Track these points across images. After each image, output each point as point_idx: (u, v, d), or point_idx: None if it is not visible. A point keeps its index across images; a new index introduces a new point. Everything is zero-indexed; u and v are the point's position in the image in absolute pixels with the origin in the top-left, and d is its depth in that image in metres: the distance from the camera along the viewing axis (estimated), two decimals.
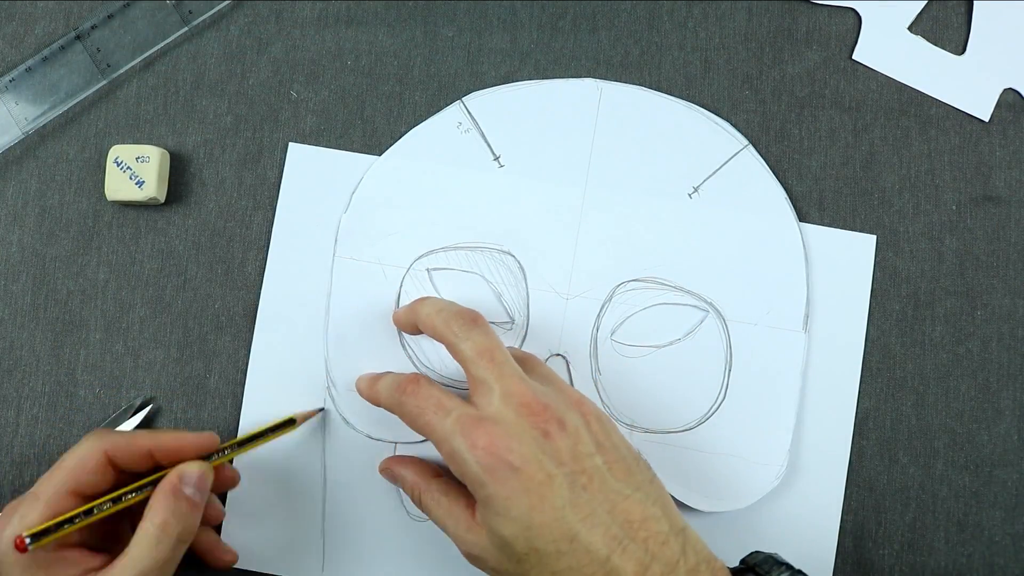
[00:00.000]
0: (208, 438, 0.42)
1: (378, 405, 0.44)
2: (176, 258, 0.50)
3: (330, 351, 0.49)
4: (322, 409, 0.48)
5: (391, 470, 0.46)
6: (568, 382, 0.48)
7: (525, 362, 0.43)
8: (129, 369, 0.49)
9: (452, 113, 0.50)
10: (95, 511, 0.39)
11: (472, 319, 0.42)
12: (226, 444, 0.43)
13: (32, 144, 0.51)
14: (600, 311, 0.49)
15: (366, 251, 0.49)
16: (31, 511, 0.38)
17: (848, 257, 0.50)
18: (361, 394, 0.46)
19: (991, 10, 0.51)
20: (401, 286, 0.49)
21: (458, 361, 0.42)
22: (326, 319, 0.49)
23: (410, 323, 0.45)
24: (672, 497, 0.48)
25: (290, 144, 0.50)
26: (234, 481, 0.46)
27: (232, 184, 0.50)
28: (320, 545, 0.48)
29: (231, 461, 0.47)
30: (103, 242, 0.50)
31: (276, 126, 0.51)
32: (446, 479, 0.43)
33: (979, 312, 0.50)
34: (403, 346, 0.48)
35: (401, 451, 0.48)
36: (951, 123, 0.51)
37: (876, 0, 0.51)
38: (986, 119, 0.51)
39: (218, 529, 0.47)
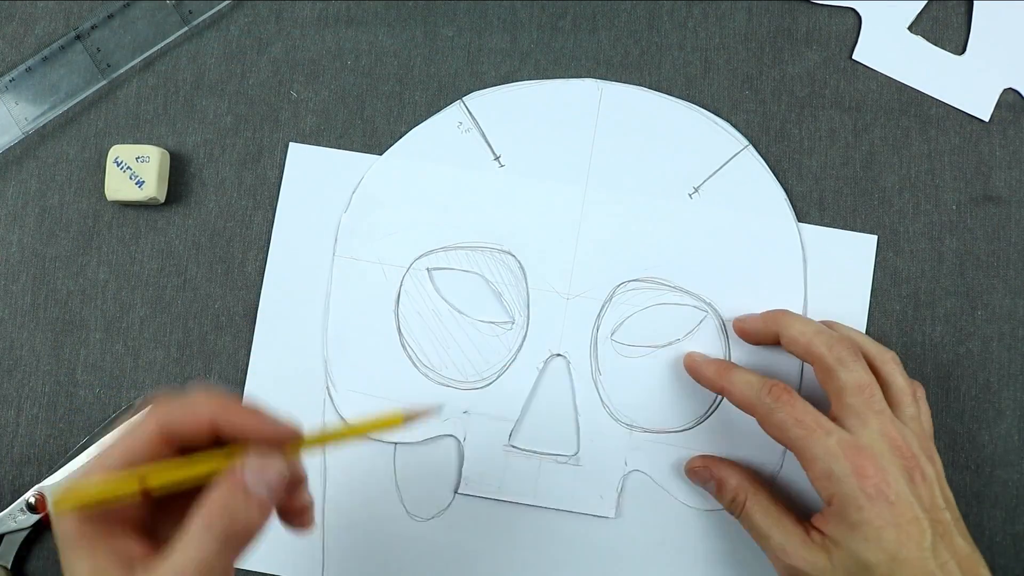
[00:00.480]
0: (288, 432, 0.35)
1: (721, 392, 0.45)
2: (176, 258, 0.50)
3: (330, 351, 0.49)
4: (441, 405, 0.45)
5: (709, 470, 0.46)
6: (569, 383, 0.48)
7: (892, 398, 0.44)
8: (129, 369, 0.49)
9: (452, 113, 0.50)
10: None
11: (856, 349, 0.43)
12: (310, 437, 0.35)
13: (32, 144, 0.51)
14: (600, 311, 0.48)
15: (366, 251, 0.49)
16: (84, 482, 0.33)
17: (848, 257, 0.50)
18: (695, 373, 0.47)
19: (991, 10, 0.51)
20: (401, 285, 0.49)
21: (828, 385, 0.43)
22: (325, 319, 0.49)
23: (768, 333, 0.46)
24: (672, 495, 0.48)
25: (290, 144, 0.50)
26: (305, 511, 0.37)
27: (232, 184, 0.50)
28: (320, 546, 0.48)
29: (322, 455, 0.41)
30: (103, 242, 0.50)
31: (276, 126, 0.51)
32: (771, 490, 0.45)
33: (979, 312, 0.50)
34: (403, 346, 0.48)
35: (401, 453, 0.48)
36: (951, 123, 0.51)
37: (876, 0, 0.51)
38: (986, 119, 0.51)
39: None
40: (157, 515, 0.35)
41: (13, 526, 0.47)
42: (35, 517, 0.47)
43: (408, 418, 0.36)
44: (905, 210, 0.50)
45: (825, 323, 0.46)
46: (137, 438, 0.34)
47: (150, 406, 0.35)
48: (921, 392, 0.45)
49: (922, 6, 0.51)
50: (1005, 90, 0.51)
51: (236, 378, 0.49)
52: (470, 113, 0.50)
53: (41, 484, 0.47)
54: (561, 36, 0.51)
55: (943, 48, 0.51)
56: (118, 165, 0.48)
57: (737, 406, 0.44)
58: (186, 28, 0.50)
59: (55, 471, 0.47)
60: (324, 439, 0.36)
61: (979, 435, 0.49)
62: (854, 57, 0.51)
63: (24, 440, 0.49)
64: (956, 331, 0.50)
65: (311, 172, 0.50)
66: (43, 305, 0.50)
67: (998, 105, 0.51)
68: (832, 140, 0.50)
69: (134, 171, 0.48)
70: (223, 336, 0.49)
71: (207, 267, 0.50)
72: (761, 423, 0.43)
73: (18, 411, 0.49)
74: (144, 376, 0.49)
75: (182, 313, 0.49)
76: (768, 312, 0.47)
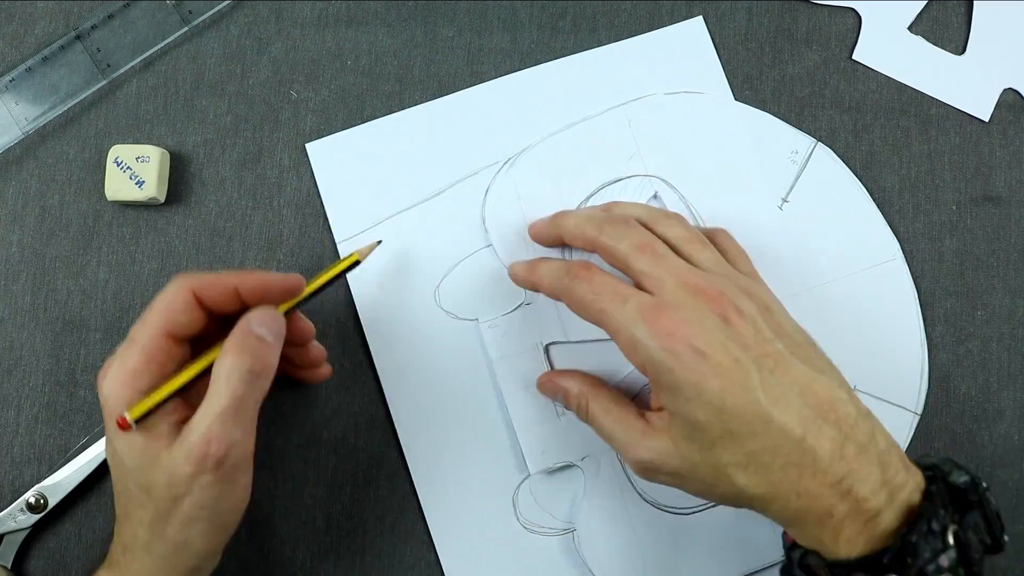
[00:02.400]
0: (293, 279, 0.41)
1: (536, 290, 0.44)
2: (176, 258, 0.50)
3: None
4: (379, 241, 0.47)
5: (553, 382, 0.46)
6: None
7: (681, 251, 0.42)
8: None
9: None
10: (186, 385, 0.39)
11: (627, 220, 0.42)
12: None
13: (32, 144, 0.51)
14: None
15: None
16: (127, 355, 0.38)
17: None
18: (517, 280, 0.46)
19: (991, 10, 0.51)
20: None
21: (617, 263, 0.41)
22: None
23: (552, 236, 0.46)
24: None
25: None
26: (309, 332, 0.44)
27: (232, 184, 0.50)
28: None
29: (300, 307, 0.43)
30: (103, 242, 0.50)
31: (276, 126, 0.51)
32: (613, 390, 0.44)
33: (979, 312, 0.50)
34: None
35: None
36: (951, 123, 0.51)
37: (876, 0, 0.51)
38: (986, 119, 0.51)
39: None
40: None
41: (13, 526, 0.47)
42: (35, 517, 0.47)
43: (363, 256, 0.45)
44: (905, 210, 0.50)
45: (606, 206, 0.46)
46: (175, 306, 0.39)
47: (179, 277, 0.40)
48: (724, 234, 0.45)
49: (922, 6, 0.51)
50: (1005, 90, 0.51)
51: None
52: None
53: (41, 484, 0.47)
54: (561, 36, 0.51)
55: (943, 48, 0.51)
56: (118, 165, 0.48)
57: (553, 298, 0.43)
58: (186, 28, 0.50)
59: (55, 471, 0.47)
60: (307, 291, 0.42)
61: (979, 435, 0.49)
62: (854, 57, 0.51)
63: (24, 440, 0.49)
64: (956, 331, 0.50)
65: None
66: (43, 305, 0.50)
67: (998, 105, 0.51)
68: (832, 140, 0.50)
69: (134, 171, 0.48)
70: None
71: (207, 267, 0.50)
72: (569, 307, 0.42)
73: (18, 411, 0.49)
74: None
75: None
76: (552, 215, 0.46)
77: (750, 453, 0.37)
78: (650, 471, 0.41)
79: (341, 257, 0.48)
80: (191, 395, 0.39)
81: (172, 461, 0.37)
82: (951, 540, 0.36)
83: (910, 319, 0.49)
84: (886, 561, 0.36)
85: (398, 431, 0.48)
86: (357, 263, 0.45)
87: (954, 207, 0.50)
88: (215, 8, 0.50)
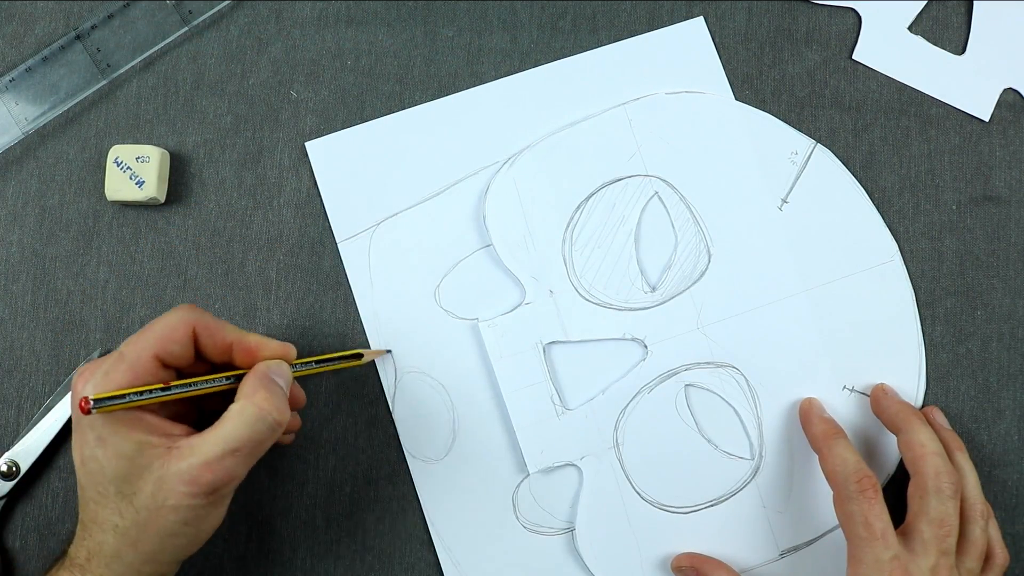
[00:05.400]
0: (287, 348, 0.42)
1: (817, 453, 0.46)
2: (176, 258, 0.50)
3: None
4: (388, 351, 0.48)
5: (695, 569, 0.47)
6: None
7: (959, 542, 0.44)
8: None
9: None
10: (173, 390, 0.38)
11: (958, 487, 0.44)
12: (296, 362, 0.42)
13: (32, 144, 0.51)
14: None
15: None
16: (115, 369, 0.38)
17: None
18: (803, 421, 0.47)
19: (991, 10, 0.51)
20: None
21: (915, 500, 0.44)
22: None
23: (890, 423, 0.47)
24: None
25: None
26: (302, 400, 0.45)
27: (232, 184, 0.50)
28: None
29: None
30: (103, 242, 0.50)
31: (276, 126, 0.51)
32: None
33: (979, 312, 0.50)
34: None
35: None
36: (951, 123, 0.51)
37: (876, 0, 0.51)
38: (986, 119, 0.51)
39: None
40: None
41: None
42: (9, 484, 0.47)
43: (367, 358, 0.46)
44: (905, 210, 0.50)
45: (946, 442, 0.46)
46: (172, 335, 0.39)
47: (184, 308, 0.40)
48: (989, 513, 0.45)
49: (922, 6, 0.51)
50: (1005, 90, 0.51)
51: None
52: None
53: (11, 451, 0.47)
54: (561, 36, 0.51)
55: (943, 48, 0.51)
56: (118, 165, 0.48)
57: (824, 474, 0.45)
58: (186, 28, 0.50)
59: (21, 437, 0.47)
60: (303, 362, 0.43)
61: (979, 435, 0.49)
62: (854, 57, 0.51)
63: None
64: (956, 331, 0.50)
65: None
66: (43, 305, 0.50)
67: (998, 105, 0.51)
68: (832, 140, 0.50)
69: (134, 171, 0.48)
70: None
71: (207, 267, 0.50)
72: (835, 503, 0.44)
73: (18, 411, 0.49)
74: None
75: None
76: (903, 405, 0.47)
77: None
78: None
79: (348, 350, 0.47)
80: (177, 412, 0.40)
81: (165, 475, 0.37)
82: None
83: (908, 320, 0.49)
84: None
85: (398, 431, 0.48)
86: (359, 355, 0.46)
87: (954, 207, 0.50)
88: (215, 8, 0.50)
